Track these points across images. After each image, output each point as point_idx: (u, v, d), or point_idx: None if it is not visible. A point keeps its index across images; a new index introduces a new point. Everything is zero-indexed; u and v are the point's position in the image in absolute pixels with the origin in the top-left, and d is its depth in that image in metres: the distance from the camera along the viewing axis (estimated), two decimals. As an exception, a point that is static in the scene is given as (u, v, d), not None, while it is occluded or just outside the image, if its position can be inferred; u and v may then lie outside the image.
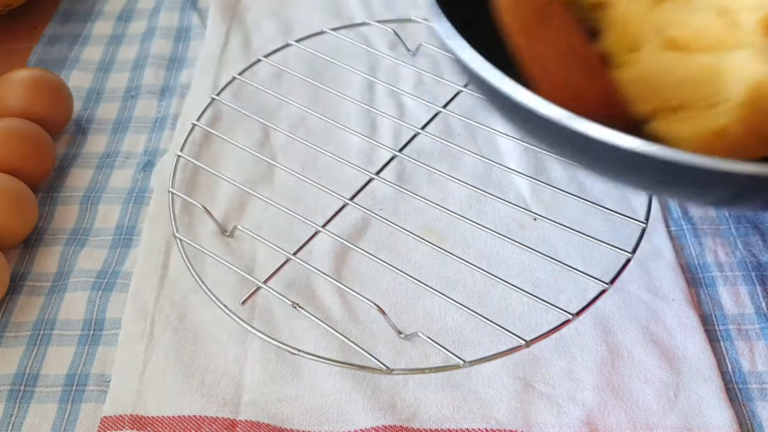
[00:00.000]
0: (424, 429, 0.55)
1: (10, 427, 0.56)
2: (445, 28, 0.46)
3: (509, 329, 0.55)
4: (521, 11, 0.52)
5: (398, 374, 0.56)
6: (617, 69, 0.56)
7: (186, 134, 0.73)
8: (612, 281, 0.58)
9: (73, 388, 0.59)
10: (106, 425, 0.55)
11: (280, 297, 0.58)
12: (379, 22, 0.83)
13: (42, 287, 0.65)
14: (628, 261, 0.59)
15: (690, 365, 0.58)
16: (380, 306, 0.56)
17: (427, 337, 0.55)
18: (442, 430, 0.55)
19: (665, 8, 0.56)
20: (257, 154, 0.70)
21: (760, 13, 0.51)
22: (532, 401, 0.56)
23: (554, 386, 0.56)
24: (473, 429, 0.54)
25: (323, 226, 0.63)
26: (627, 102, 0.53)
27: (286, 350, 0.56)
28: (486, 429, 0.54)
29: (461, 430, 0.54)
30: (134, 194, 0.72)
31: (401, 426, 0.54)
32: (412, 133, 0.71)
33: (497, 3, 0.52)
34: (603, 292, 0.58)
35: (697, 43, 0.53)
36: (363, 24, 0.86)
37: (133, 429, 0.55)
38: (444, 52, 0.74)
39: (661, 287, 0.62)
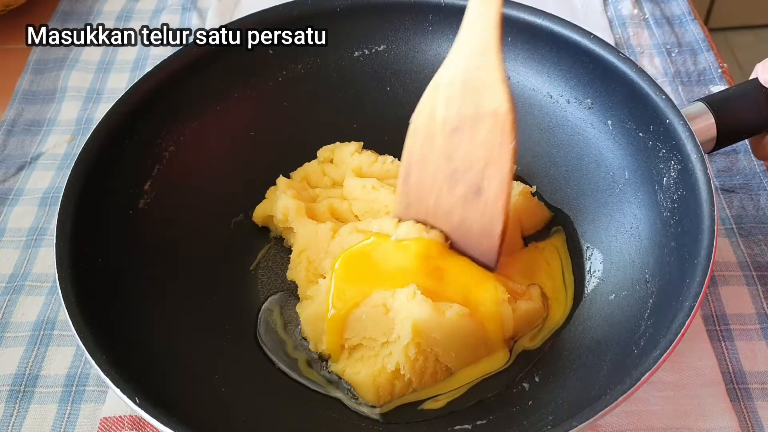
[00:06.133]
0: None
1: (10, 428, 0.56)
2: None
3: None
4: None
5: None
6: (301, 304, 0.60)
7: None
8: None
9: (73, 388, 0.59)
10: (105, 426, 0.55)
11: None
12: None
13: (42, 287, 0.65)
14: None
15: (691, 365, 0.57)
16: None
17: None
18: None
19: (343, 233, 0.60)
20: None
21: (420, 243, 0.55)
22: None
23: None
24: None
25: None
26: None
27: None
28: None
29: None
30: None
31: None
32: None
33: None
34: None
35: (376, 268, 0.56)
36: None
37: (132, 430, 0.55)
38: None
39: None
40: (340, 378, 0.56)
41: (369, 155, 0.67)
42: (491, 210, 0.54)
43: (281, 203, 0.63)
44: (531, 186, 0.65)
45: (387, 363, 0.53)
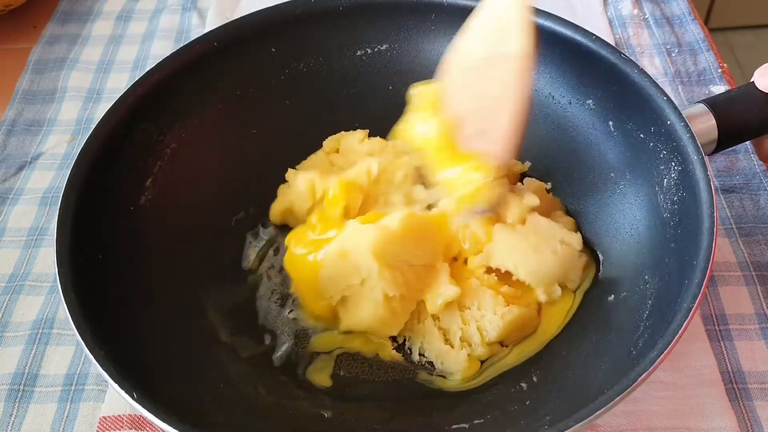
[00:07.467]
0: None
1: (9, 427, 0.56)
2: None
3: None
4: None
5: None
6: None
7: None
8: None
9: (72, 387, 0.59)
10: (104, 425, 0.56)
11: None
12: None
13: (42, 287, 0.65)
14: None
15: (690, 365, 0.57)
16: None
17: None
18: None
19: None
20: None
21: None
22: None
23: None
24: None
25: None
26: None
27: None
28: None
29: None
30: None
31: None
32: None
33: None
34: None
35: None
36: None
37: (131, 429, 0.55)
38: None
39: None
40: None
41: (379, 140, 0.67)
42: (494, 148, 0.54)
43: (300, 180, 0.63)
44: (546, 183, 0.65)
45: (376, 296, 0.55)
